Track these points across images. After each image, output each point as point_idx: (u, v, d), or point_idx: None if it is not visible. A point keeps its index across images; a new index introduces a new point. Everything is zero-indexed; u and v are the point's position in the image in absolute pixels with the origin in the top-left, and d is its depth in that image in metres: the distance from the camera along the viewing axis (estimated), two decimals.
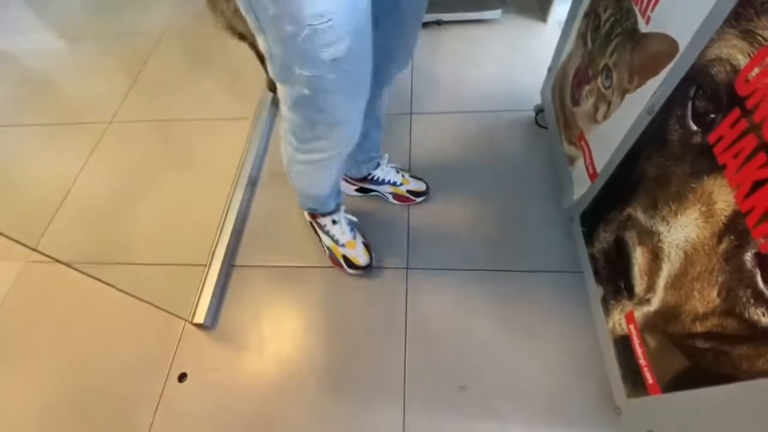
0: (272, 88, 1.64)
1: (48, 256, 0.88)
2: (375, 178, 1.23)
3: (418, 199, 1.25)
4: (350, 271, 1.14)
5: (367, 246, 1.16)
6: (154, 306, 1.02)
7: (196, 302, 1.13)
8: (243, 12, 0.55)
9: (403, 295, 1.12)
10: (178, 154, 1.54)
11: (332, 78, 0.58)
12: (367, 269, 1.14)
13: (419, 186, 1.26)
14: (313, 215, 1.15)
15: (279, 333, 1.10)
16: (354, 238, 1.15)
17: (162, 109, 1.69)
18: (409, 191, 1.24)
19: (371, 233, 1.22)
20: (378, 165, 1.22)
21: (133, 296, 0.97)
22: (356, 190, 1.29)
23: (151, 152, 1.56)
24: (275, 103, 1.65)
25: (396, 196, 1.26)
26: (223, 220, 1.30)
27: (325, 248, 1.18)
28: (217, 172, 1.42)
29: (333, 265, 1.18)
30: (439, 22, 1.74)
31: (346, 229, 1.14)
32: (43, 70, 1.96)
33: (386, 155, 1.25)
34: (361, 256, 1.14)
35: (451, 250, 1.17)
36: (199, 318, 1.10)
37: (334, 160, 0.82)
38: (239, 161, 1.44)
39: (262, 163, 1.46)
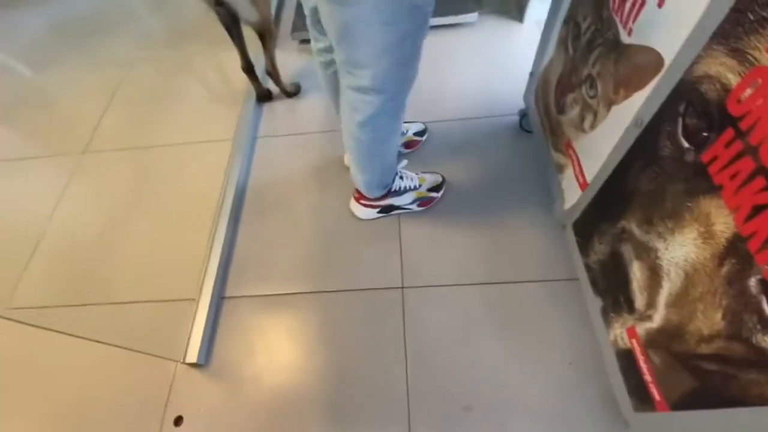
0: (264, 94, 1.61)
1: (18, 322, 0.84)
2: (397, 189, 1.19)
3: (439, 194, 1.25)
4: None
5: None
6: (142, 353, 0.98)
7: (187, 340, 1.09)
8: (390, 23, 0.68)
9: (400, 315, 1.09)
10: (157, 182, 1.49)
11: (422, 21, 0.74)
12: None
13: (435, 178, 1.26)
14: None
15: (276, 365, 1.07)
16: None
17: (138, 135, 1.63)
18: (429, 189, 1.24)
19: (361, 255, 1.20)
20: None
21: (117, 346, 0.93)
22: (379, 212, 1.24)
23: (128, 183, 1.50)
24: (263, 99, 1.62)
25: (421, 201, 1.23)
26: (209, 249, 1.26)
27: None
28: (200, 199, 1.38)
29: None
30: None
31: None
32: (7, 100, 1.87)
33: None
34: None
35: (445, 264, 1.15)
36: (192, 357, 1.06)
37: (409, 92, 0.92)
38: (222, 185, 1.39)
39: (246, 185, 1.42)
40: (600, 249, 0.86)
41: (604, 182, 0.81)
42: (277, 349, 1.09)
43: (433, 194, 1.22)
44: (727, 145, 0.50)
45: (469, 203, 1.25)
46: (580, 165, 0.93)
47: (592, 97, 0.84)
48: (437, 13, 1.70)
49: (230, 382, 1.05)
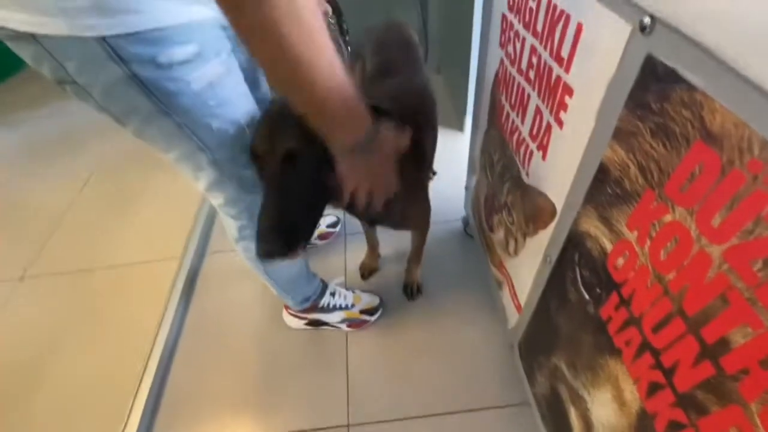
0: None
1: None
2: (325, 306, 1.15)
3: (374, 318, 1.18)
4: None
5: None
6: None
7: None
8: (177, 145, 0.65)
9: None
10: (94, 310, 1.40)
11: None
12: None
13: (372, 300, 1.20)
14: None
15: None
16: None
17: (84, 257, 1.57)
18: (362, 311, 1.18)
19: (306, 382, 1.11)
20: (324, 288, 1.14)
21: None
22: (306, 324, 1.19)
23: (64, 310, 1.41)
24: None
25: (350, 322, 1.17)
26: (138, 385, 1.14)
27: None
28: (135, 327, 1.29)
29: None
30: None
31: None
32: None
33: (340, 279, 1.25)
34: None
35: (394, 394, 1.07)
36: None
37: None
38: (162, 309, 1.32)
39: (188, 306, 1.35)
40: (542, 382, 0.80)
41: (533, 311, 0.79)
42: None
43: (366, 317, 1.17)
44: (616, 308, 0.48)
45: (420, 317, 1.21)
46: (513, 287, 0.91)
47: (511, 224, 0.85)
48: None
49: None
